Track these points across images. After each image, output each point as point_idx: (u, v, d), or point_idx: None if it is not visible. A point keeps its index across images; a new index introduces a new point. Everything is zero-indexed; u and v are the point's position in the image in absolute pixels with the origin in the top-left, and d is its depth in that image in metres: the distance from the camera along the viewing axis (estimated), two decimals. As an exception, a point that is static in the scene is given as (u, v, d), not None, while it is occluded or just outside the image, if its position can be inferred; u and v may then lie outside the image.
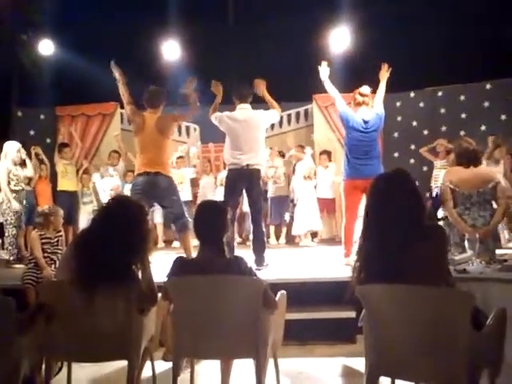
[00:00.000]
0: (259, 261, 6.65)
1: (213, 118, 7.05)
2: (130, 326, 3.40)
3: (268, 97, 7.07)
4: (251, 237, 7.03)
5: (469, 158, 5.81)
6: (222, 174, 9.99)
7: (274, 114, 7.01)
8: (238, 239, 10.26)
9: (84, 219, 9.64)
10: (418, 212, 3.14)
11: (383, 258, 3.04)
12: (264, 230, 6.94)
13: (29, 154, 8.95)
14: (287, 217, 10.25)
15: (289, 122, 12.16)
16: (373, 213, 3.19)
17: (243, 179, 6.74)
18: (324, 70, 7.14)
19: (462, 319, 2.79)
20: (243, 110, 6.96)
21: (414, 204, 3.13)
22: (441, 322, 2.83)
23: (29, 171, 8.23)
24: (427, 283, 2.92)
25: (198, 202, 9.77)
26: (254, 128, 6.87)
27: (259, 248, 6.75)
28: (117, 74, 6.85)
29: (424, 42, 10.28)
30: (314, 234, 10.04)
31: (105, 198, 9.68)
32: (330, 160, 10.26)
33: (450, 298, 2.89)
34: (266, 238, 7.11)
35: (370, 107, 6.92)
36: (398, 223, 3.04)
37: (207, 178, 10.59)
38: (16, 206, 7.72)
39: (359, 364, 4.77)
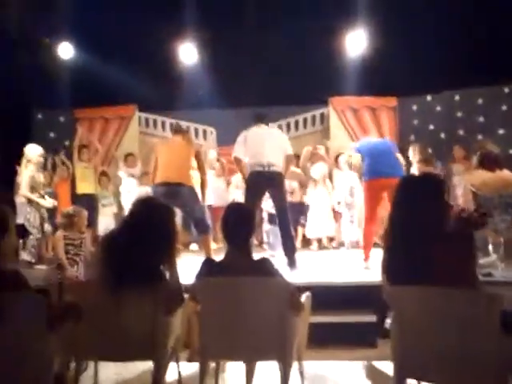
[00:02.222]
0: (292, 263, 6.68)
1: (238, 153, 7.06)
2: (156, 326, 3.43)
3: None
4: (275, 241, 7.07)
5: (494, 162, 5.80)
6: (237, 178, 10.00)
7: (288, 146, 7.07)
8: (254, 242, 10.28)
9: (103, 222, 9.70)
10: (445, 216, 3.15)
11: (410, 261, 3.06)
12: (293, 233, 6.93)
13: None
14: (303, 220, 10.19)
15: (305, 125, 12.15)
16: (399, 215, 3.20)
17: (265, 182, 6.74)
18: None
19: (490, 322, 2.80)
20: (262, 126, 7.08)
21: (442, 207, 3.14)
22: (469, 325, 2.84)
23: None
24: (454, 286, 2.93)
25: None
26: (272, 136, 7.01)
27: (290, 251, 6.75)
28: None
29: (441, 45, 10.24)
30: (331, 238, 10.01)
31: (128, 199, 9.73)
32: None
33: (478, 300, 2.89)
34: (295, 241, 7.10)
35: None
36: (425, 227, 3.05)
37: (219, 181, 10.59)
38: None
39: (380, 368, 4.80)
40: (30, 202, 7.80)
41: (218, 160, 10.75)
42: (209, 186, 8.99)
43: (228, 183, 10.66)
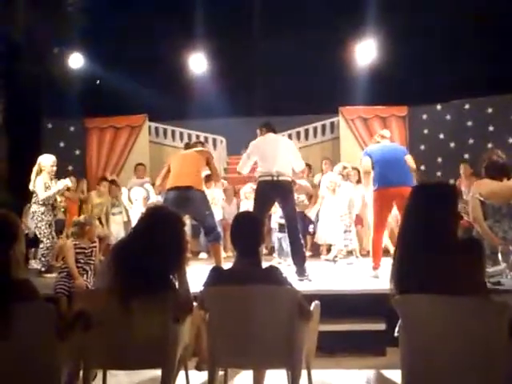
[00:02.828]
0: (300, 272, 6.67)
1: (241, 168, 7.16)
2: (166, 334, 3.43)
3: None
4: (287, 249, 7.07)
5: (499, 171, 5.78)
6: (245, 188, 10.02)
7: (299, 159, 7.08)
8: (264, 251, 10.28)
9: (114, 230, 9.73)
10: (455, 224, 3.15)
11: (419, 268, 3.05)
12: (302, 241, 6.93)
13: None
14: (311, 228, 10.17)
15: (315, 134, 12.17)
16: (410, 224, 3.20)
17: (274, 192, 6.74)
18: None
19: (499, 331, 2.78)
20: (271, 135, 7.09)
21: (453, 216, 3.14)
22: (478, 333, 2.82)
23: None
24: (463, 295, 2.92)
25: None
26: (281, 144, 7.00)
27: (299, 260, 6.75)
28: None
29: (450, 54, 10.27)
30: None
31: (137, 208, 9.75)
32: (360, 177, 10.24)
33: (487, 309, 2.89)
34: (304, 250, 7.11)
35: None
36: (435, 235, 3.05)
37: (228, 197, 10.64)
38: (49, 217, 7.85)
39: (389, 376, 4.79)
40: (47, 205, 7.85)
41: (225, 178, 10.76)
42: (218, 203, 9.11)
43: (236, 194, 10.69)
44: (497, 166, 5.82)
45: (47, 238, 7.81)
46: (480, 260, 3.09)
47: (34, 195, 7.86)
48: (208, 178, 8.27)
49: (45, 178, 7.85)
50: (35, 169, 7.93)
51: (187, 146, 7.63)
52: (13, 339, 2.88)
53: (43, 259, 7.81)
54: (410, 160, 6.87)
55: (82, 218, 6.35)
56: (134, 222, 8.94)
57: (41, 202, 7.78)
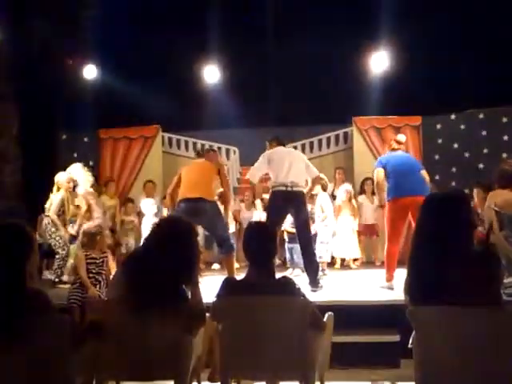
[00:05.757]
0: (313, 282, 6.65)
1: (252, 176, 7.11)
2: (179, 345, 3.43)
3: None
4: (298, 260, 7.05)
5: (509, 180, 5.74)
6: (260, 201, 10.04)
7: (313, 167, 7.13)
8: (277, 261, 10.26)
9: (126, 242, 9.78)
10: (471, 234, 3.12)
11: (433, 280, 3.03)
12: (315, 252, 6.90)
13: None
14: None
15: (328, 144, 12.12)
16: (423, 235, 3.17)
17: (288, 202, 6.73)
18: None
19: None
20: (282, 148, 7.16)
21: (467, 226, 3.11)
22: (493, 345, 2.80)
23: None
24: (478, 306, 2.89)
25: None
26: (294, 156, 7.07)
27: (312, 270, 6.73)
28: None
29: (464, 64, 10.21)
30: (354, 258, 9.96)
31: (148, 220, 9.76)
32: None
33: (503, 321, 2.86)
34: (317, 260, 7.09)
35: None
36: (449, 246, 3.02)
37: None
38: (62, 232, 7.89)
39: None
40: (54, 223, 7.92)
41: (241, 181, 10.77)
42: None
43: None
44: (506, 175, 5.78)
45: (62, 249, 7.84)
46: (497, 273, 3.06)
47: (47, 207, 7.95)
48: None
49: (62, 195, 7.95)
50: (54, 188, 8.05)
51: (199, 155, 7.64)
52: (27, 350, 2.89)
53: (58, 270, 7.84)
54: (425, 174, 6.85)
55: (92, 228, 6.36)
56: (144, 233, 8.98)
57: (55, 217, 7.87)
